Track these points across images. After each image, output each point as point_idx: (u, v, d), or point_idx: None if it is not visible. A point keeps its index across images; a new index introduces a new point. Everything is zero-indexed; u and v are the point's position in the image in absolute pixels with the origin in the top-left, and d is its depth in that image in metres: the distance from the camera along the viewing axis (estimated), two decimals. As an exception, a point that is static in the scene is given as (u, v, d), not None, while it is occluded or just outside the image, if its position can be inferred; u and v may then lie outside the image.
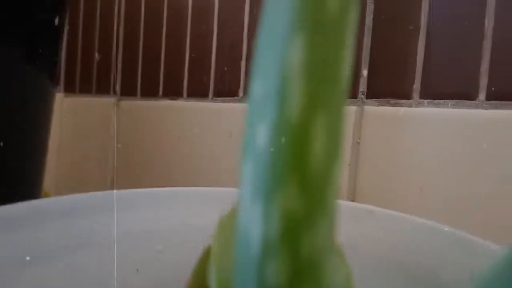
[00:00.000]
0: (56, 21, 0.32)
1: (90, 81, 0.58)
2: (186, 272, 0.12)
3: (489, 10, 0.27)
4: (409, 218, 0.20)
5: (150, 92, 0.50)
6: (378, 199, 0.32)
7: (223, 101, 0.42)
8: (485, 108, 0.28)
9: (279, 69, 0.07)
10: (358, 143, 0.33)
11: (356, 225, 0.21)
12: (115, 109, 0.54)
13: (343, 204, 0.23)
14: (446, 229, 0.19)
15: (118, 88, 0.54)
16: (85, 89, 0.59)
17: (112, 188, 0.53)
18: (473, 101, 0.28)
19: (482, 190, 0.27)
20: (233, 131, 0.41)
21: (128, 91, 0.53)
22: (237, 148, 0.37)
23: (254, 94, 0.08)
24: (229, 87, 0.42)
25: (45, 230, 0.17)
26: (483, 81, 0.28)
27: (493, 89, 0.27)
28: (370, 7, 0.33)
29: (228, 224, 0.12)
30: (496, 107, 0.27)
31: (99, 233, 0.20)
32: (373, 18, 0.33)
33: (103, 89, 0.56)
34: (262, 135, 0.07)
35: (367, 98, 0.33)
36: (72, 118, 0.59)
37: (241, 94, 0.41)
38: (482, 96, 0.28)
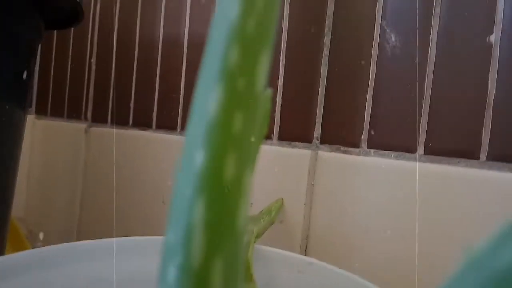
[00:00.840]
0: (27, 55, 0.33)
1: (62, 105, 0.59)
2: None
3: (429, 74, 0.30)
4: (342, 273, 0.23)
5: (120, 121, 0.51)
6: (330, 237, 0.34)
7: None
8: (423, 162, 0.30)
9: (185, 223, 0.09)
10: (313, 185, 0.36)
11: (297, 275, 0.24)
12: (85, 135, 0.55)
13: (287, 255, 0.25)
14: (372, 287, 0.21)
15: (89, 114, 0.55)
16: (57, 113, 0.59)
17: (80, 215, 0.54)
18: (412, 154, 0.31)
19: (417, 234, 0.30)
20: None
21: (99, 118, 0.54)
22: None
23: (167, 239, 0.10)
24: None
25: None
26: (422, 137, 0.31)
27: (430, 144, 0.30)
28: (325, 58, 0.35)
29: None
30: (432, 162, 0.30)
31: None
32: (328, 70, 0.35)
33: (75, 114, 0.57)
34: (172, 275, 0.09)
35: (321, 143, 0.35)
36: (43, 141, 0.60)
37: (207, 130, 0.43)
38: (420, 150, 0.31)
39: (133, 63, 0.50)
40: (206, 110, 0.09)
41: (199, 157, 0.09)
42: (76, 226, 0.55)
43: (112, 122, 0.52)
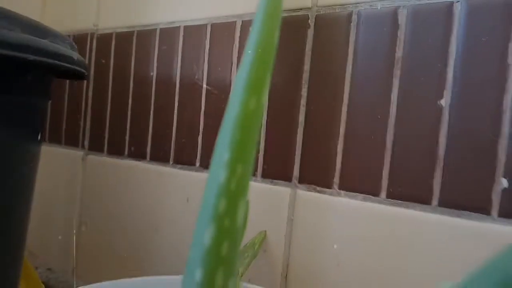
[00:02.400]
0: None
1: (60, 132, 0.62)
2: None
3: (390, 128, 0.35)
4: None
5: (116, 151, 0.55)
6: (307, 266, 0.39)
7: (182, 168, 0.49)
8: (386, 204, 0.35)
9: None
10: (292, 219, 0.40)
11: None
12: (82, 162, 0.58)
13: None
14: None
15: (86, 143, 0.59)
16: (55, 139, 0.63)
17: (77, 246, 0.58)
18: (377, 197, 0.36)
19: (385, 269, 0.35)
20: (190, 196, 0.47)
21: (95, 147, 0.58)
22: (193, 212, 0.44)
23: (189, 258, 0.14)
24: (187, 157, 0.48)
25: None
26: (384, 183, 0.35)
27: (391, 190, 0.35)
28: (302, 108, 0.40)
29: None
30: (393, 205, 0.35)
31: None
32: (305, 118, 0.40)
33: (72, 141, 0.61)
34: None
35: (299, 182, 0.40)
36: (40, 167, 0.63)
37: (197, 163, 0.47)
38: (383, 194, 0.35)
39: (128, 99, 0.54)
40: (203, 241, 0.14)
41: (198, 274, 0.14)
42: (73, 250, 0.59)
43: (108, 152, 0.56)
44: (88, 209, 0.57)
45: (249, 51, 0.13)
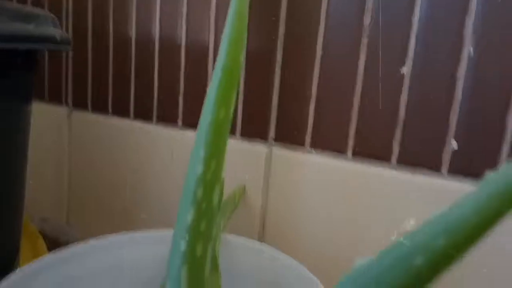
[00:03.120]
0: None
1: (43, 88, 0.63)
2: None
3: (357, 91, 0.38)
4: (286, 258, 0.32)
5: (100, 108, 0.57)
6: (283, 220, 0.43)
7: (165, 126, 0.51)
8: (351, 162, 0.39)
9: (177, 277, 0.17)
10: (268, 175, 0.44)
11: (251, 258, 0.33)
12: (67, 120, 0.60)
13: (245, 242, 0.34)
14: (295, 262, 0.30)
15: (70, 100, 0.60)
16: (38, 95, 0.64)
17: (68, 198, 0.62)
18: (344, 155, 0.39)
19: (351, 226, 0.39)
20: (174, 152, 0.51)
21: (80, 104, 0.59)
22: (178, 167, 0.47)
23: (170, 275, 0.18)
24: (170, 116, 0.51)
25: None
26: (351, 142, 0.39)
27: (356, 148, 0.39)
28: (277, 71, 0.42)
29: None
30: (359, 162, 0.39)
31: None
32: (280, 80, 0.42)
33: (56, 98, 0.62)
34: (171, 304, 0.18)
35: (275, 141, 0.43)
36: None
37: (180, 122, 0.50)
38: (349, 152, 0.39)
39: (109, 56, 0.55)
40: (185, 220, 0.17)
41: (182, 245, 0.17)
42: (66, 205, 0.62)
43: (93, 109, 0.58)
44: (77, 165, 0.60)
45: (218, 70, 0.15)
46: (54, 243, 0.61)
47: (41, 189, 0.65)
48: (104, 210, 0.58)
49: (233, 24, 0.15)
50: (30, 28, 0.24)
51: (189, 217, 0.17)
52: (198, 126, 0.17)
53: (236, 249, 0.34)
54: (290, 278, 0.30)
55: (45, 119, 0.63)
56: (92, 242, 0.32)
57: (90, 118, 0.58)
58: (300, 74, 0.41)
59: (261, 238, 0.45)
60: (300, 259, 0.31)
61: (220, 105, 0.15)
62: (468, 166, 0.34)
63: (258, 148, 0.44)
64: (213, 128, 0.16)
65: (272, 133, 0.43)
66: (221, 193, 0.18)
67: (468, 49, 0.33)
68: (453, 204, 0.11)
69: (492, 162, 0.34)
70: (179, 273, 0.17)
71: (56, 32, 0.28)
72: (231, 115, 0.16)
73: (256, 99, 0.44)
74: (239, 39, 0.15)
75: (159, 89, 0.51)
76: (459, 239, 0.11)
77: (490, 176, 0.11)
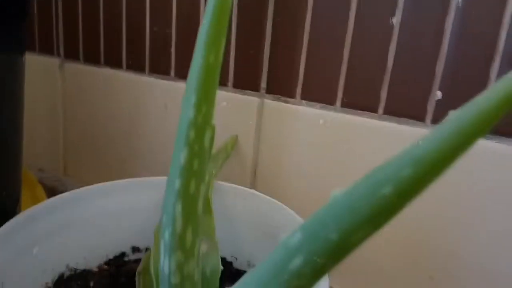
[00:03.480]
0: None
1: (34, 39, 0.63)
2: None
3: (346, 44, 0.39)
4: (274, 202, 0.34)
5: (92, 59, 0.57)
6: (273, 168, 0.45)
7: (158, 78, 0.52)
8: (340, 112, 0.40)
9: (171, 213, 0.19)
10: (260, 125, 0.45)
11: (243, 202, 0.35)
12: (59, 71, 0.60)
13: (236, 187, 0.36)
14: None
15: (62, 50, 0.60)
16: (29, 47, 0.64)
17: (64, 149, 0.63)
18: (333, 106, 0.41)
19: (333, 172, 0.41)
20: (168, 103, 0.51)
21: (71, 55, 0.59)
22: (172, 117, 0.49)
23: (165, 218, 0.19)
24: (163, 67, 0.51)
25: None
26: (340, 93, 0.40)
27: (345, 100, 0.40)
28: (269, 23, 0.42)
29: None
30: (347, 113, 0.40)
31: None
32: (271, 33, 0.42)
33: (47, 48, 0.62)
34: (167, 238, 0.19)
35: (266, 93, 0.44)
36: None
37: (172, 73, 0.50)
38: (338, 103, 0.40)
39: (99, 6, 0.54)
40: (179, 160, 0.18)
41: (177, 183, 0.19)
42: (62, 157, 0.64)
43: (85, 60, 0.58)
44: (71, 115, 0.61)
45: (208, 15, 0.16)
46: (52, 194, 0.63)
47: (37, 141, 0.66)
48: (100, 160, 0.60)
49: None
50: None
51: (182, 157, 0.18)
52: (189, 72, 0.17)
53: (228, 193, 0.35)
54: (278, 219, 0.32)
55: (37, 71, 0.63)
56: (91, 188, 0.34)
57: (82, 69, 0.58)
58: (292, 25, 0.41)
59: (253, 186, 0.47)
60: (288, 203, 0.33)
61: (210, 50, 0.16)
62: (451, 116, 0.36)
63: (250, 99, 0.45)
64: (203, 73, 0.17)
65: (263, 84, 0.44)
66: (212, 138, 0.19)
67: (456, 0, 0.34)
68: (419, 139, 0.13)
69: (474, 112, 0.35)
70: (174, 209, 0.19)
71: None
72: (220, 60, 0.17)
73: (248, 51, 0.44)
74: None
75: (151, 40, 0.51)
76: (425, 169, 0.12)
77: (453, 114, 0.12)
